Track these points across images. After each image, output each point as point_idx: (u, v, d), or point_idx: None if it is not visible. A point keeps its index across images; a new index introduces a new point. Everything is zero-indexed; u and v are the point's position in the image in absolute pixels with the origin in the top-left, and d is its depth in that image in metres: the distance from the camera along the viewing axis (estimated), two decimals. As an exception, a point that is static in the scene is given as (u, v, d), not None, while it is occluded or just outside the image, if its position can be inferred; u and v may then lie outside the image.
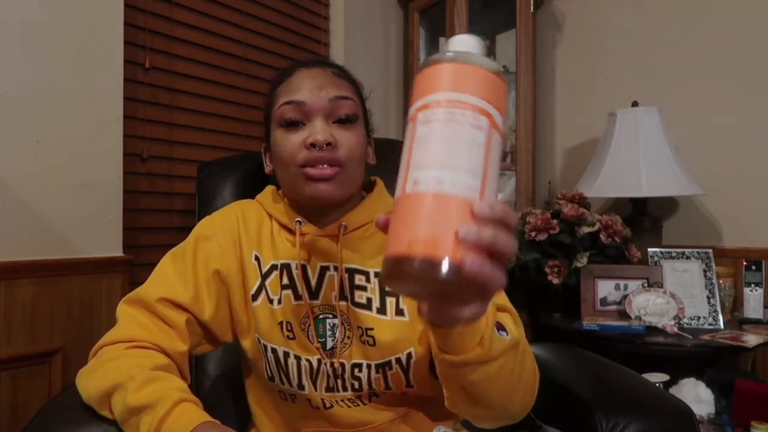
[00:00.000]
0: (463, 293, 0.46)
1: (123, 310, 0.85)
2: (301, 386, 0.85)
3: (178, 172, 1.59)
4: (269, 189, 0.94)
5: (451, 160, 0.44)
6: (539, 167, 2.27)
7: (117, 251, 1.37)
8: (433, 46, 2.39)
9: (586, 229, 1.68)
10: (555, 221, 1.69)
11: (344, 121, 0.82)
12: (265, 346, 0.84)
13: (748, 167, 1.93)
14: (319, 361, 0.84)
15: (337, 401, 0.85)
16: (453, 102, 0.46)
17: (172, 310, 0.83)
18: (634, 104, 1.91)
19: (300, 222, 0.86)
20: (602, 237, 1.67)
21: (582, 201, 1.78)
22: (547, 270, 1.68)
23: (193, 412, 0.72)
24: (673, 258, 1.67)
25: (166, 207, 1.57)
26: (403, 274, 0.44)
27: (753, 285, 1.64)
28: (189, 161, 1.59)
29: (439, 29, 2.29)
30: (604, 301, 1.65)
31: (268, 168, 0.91)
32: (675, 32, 2.08)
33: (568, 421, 0.88)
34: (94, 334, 1.31)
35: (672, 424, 0.85)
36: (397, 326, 0.83)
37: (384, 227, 0.47)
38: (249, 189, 1.29)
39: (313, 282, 0.86)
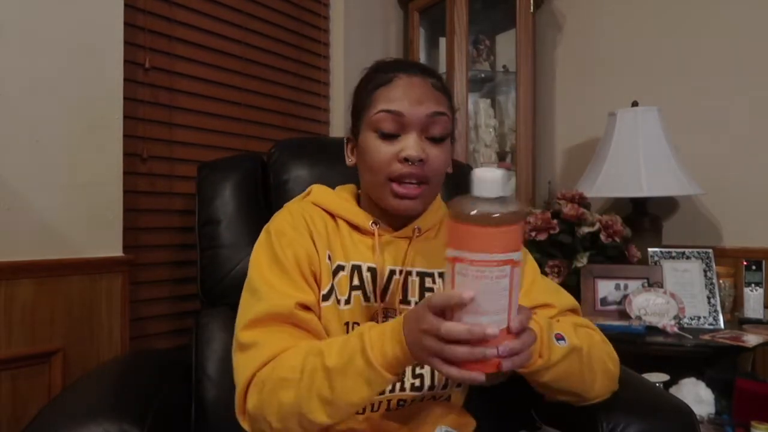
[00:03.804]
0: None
1: (249, 335, 0.79)
2: None
3: (178, 172, 1.59)
4: (324, 190, 0.95)
5: (485, 308, 0.60)
6: (539, 167, 2.28)
7: (117, 251, 1.37)
8: (433, 47, 2.39)
9: (586, 229, 1.68)
10: (555, 221, 1.69)
11: (436, 140, 0.85)
12: None
13: (748, 167, 1.93)
14: None
15: (372, 406, 0.86)
16: (482, 262, 0.59)
17: (307, 312, 0.81)
18: (634, 104, 1.91)
19: (377, 223, 0.89)
20: (602, 237, 1.67)
21: (582, 201, 1.77)
22: (547, 270, 1.68)
23: (380, 331, 0.71)
24: (673, 258, 1.67)
25: (166, 207, 1.56)
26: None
27: (753, 285, 1.64)
28: (189, 161, 1.59)
29: (439, 29, 2.29)
30: (604, 301, 1.65)
31: (350, 160, 0.92)
32: (675, 32, 2.08)
33: (568, 421, 0.88)
34: (94, 334, 1.32)
35: (672, 424, 0.85)
36: None
37: None
38: (249, 189, 1.29)
39: (382, 284, 0.87)
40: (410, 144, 0.82)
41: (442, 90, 0.88)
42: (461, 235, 0.60)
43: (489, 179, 0.59)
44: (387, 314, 0.88)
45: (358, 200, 0.95)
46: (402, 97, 0.83)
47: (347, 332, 0.85)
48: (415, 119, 0.83)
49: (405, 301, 0.88)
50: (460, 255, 0.60)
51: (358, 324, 0.85)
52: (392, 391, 0.86)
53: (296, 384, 0.71)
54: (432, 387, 0.88)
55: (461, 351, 0.61)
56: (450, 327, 0.61)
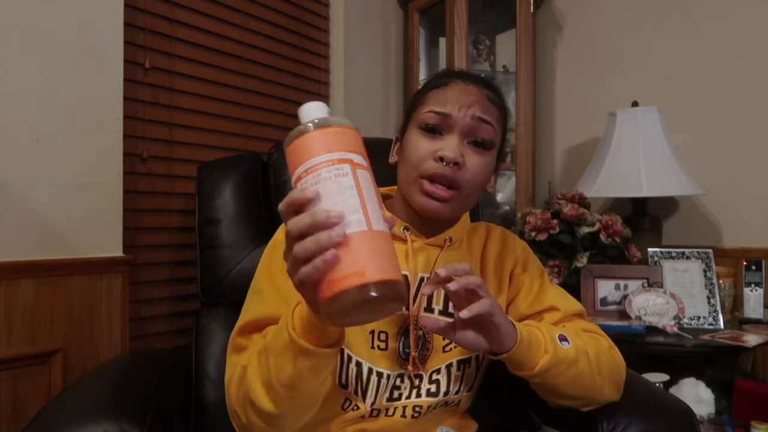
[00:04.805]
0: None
1: (243, 338, 0.78)
2: (373, 402, 0.84)
3: (178, 172, 1.59)
4: None
5: (334, 208, 0.55)
6: (539, 167, 2.28)
7: (117, 251, 1.37)
8: (433, 47, 2.39)
9: (586, 229, 1.68)
10: (555, 221, 1.69)
11: (479, 145, 0.84)
12: (350, 357, 0.83)
13: (748, 167, 1.93)
14: (397, 373, 0.84)
15: (387, 411, 0.86)
16: (314, 167, 0.57)
17: None
18: (634, 104, 1.91)
19: (408, 229, 0.87)
20: (602, 237, 1.67)
21: (582, 201, 1.78)
22: (547, 270, 1.68)
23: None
24: (673, 258, 1.67)
25: (166, 207, 1.56)
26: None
27: (753, 285, 1.64)
28: (189, 161, 1.59)
29: (439, 29, 2.29)
30: (604, 301, 1.65)
31: (392, 158, 0.92)
32: (675, 32, 2.08)
33: (568, 422, 0.88)
34: (94, 334, 1.32)
35: (672, 424, 0.85)
36: None
37: None
38: (249, 189, 1.29)
39: (413, 291, 0.86)
40: (449, 145, 0.82)
41: (496, 104, 0.87)
42: (292, 156, 0.60)
43: (307, 108, 0.61)
44: (413, 322, 0.86)
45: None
46: (453, 101, 0.83)
47: (372, 341, 0.84)
48: (460, 121, 0.83)
49: (429, 308, 0.87)
50: (297, 173, 0.59)
51: (385, 333, 0.84)
52: (408, 397, 0.86)
53: (248, 370, 0.72)
54: (447, 392, 0.87)
55: (308, 241, 0.53)
56: (294, 219, 0.55)
